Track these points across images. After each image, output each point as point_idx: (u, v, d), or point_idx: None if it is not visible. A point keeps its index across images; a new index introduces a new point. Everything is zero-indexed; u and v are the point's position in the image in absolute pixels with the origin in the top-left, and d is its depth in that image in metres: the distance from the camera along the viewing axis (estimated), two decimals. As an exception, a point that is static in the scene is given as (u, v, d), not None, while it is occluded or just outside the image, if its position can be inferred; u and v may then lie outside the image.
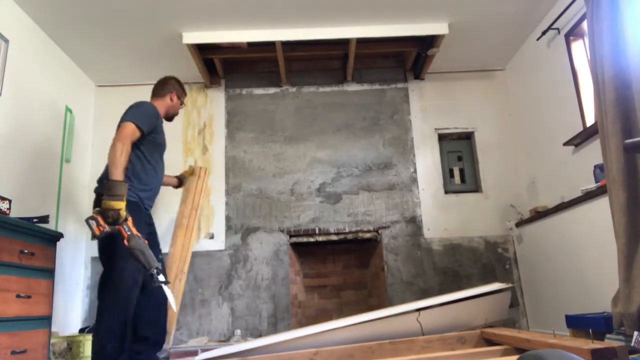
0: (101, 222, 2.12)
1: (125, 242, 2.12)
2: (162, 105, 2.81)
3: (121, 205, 2.15)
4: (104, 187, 2.22)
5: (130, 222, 2.16)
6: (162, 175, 2.77)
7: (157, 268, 2.11)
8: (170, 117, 2.92)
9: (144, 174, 2.54)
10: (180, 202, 3.62)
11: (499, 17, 3.56)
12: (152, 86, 4.29)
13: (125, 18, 3.36)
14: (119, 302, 2.29)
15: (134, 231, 2.14)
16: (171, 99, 2.86)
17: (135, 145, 2.50)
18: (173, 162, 4.11)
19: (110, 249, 2.32)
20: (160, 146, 2.71)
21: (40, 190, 3.32)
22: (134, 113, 2.51)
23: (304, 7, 3.38)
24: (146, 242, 2.18)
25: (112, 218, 2.12)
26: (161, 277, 2.12)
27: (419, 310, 2.39)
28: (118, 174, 2.24)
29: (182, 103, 2.95)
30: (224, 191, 4.06)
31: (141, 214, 2.47)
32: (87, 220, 2.13)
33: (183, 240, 3.44)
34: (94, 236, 2.12)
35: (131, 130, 2.44)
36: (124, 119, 2.49)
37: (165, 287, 2.15)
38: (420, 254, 3.95)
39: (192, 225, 3.49)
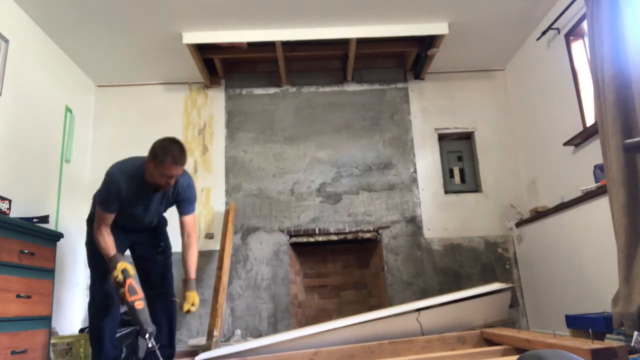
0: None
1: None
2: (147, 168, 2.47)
3: (116, 273, 2.27)
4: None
5: (128, 284, 2.25)
6: (146, 217, 2.65)
7: (150, 333, 2.20)
8: (154, 188, 2.48)
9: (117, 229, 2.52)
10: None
11: (499, 17, 3.56)
12: (152, 86, 4.36)
13: (125, 18, 3.36)
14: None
15: (127, 297, 2.23)
16: (147, 165, 2.42)
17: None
18: (173, 162, 4.11)
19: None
20: (130, 213, 2.55)
21: (40, 190, 3.32)
22: (98, 196, 2.54)
23: (304, 7, 3.38)
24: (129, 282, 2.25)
25: (116, 285, 2.29)
26: (150, 344, 2.21)
27: (419, 310, 2.39)
28: (109, 254, 2.36)
29: (162, 173, 2.37)
30: (224, 191, 4.06)
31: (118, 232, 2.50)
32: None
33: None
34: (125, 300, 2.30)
35: (101, 217, 2.43)
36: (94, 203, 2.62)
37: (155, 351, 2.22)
38: (420, 254, 3.95)
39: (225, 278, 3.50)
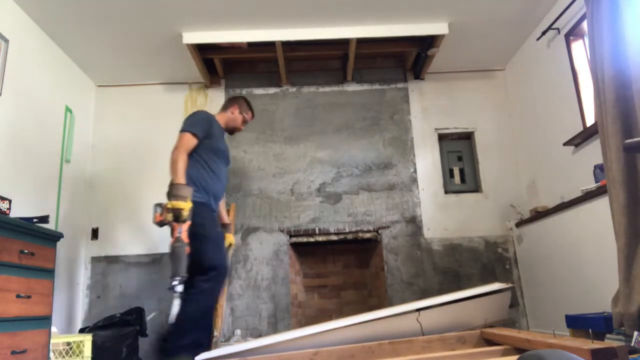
0: (165, 213, 2.35)
1: (172, 240, 2.34)
2: (222, 118, 3.02)
3: (184, 205, 2.36)
4: (169, 188, 2.48)
5: (186, 226, 2.36)
6: (225, 183, 2.94)
7: (182, 277, 2.28)
8: (230, 130, 3.07)
9: (208, 178, 2.72)
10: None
11: (499, 17, 3.56)
12: (152, 86, 4.36)
13: (125, 18, 3.36)
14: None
15: (184, 236, 2.34)
16: (232, 112, 3.03)
17: (195, 152, 2.72)
18: (173, 162, 4.11)
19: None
20: (219, 152, 2.84)
21: (40, 190, 3.32)
22: (187, 122, 2.77)
23: (304, 7, 3.38)
24: (187, 250, 2.35)
25: (173, 215, 2.35)
26: (179, 288, 2.29)
27: (418, 310, 2.39)
28: (178, 178, 2.49)
29: (244, 119, 3.07)
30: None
31: (211, 213, 2.72)
32: (154, 205, 2.40)
33: None
34: (154, 221, 2.38)
35: (185, 139, 2.68)
36: (180, 130, 2.74)
37: (175, 299, 2.28)
38: (420, 254, 3.95)
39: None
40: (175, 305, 2.31)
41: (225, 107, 3.09)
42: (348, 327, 2.32)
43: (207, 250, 2.52)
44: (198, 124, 2.75)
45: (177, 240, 2.32)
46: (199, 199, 2.60)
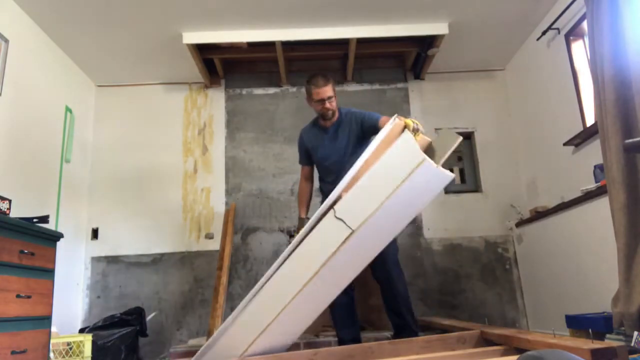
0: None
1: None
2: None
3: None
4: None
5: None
6: (338, 174, 2.52)
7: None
8: (323, 118, 2.76)
9: (322, 186, 2.87)
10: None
11: (499, 17, 3.56)
12: (152, 86, 4.35)
13: (125, 18, 3.35)
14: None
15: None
16: (309, 105, 2.79)
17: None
18: (172, 162, 4.12)
19: None
20: (318, 162, 2.83)
21: (40, 190, 3.32)
22: None
23: (304, 7, 3.38)
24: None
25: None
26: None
27: (331, 206, 2.07)
28: (299, 212, 2.92)
29: (316, 100, 2.66)
30: (224, 191, 4.06)
31: None
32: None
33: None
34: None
35: (301, 172, 2.96)
36: None
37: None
38: (420, 254, 3.95)
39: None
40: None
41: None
42: (285, 263, 2.09)
43: None
44: (298, 152, 2.92)
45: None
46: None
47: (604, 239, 2.74)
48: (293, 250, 2.10)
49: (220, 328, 2.23)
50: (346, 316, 2.67)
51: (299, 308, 2.12)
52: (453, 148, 2.13)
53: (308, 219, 2.56)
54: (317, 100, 2.66)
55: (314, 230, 2.07)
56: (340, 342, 2.62)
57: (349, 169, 2.15)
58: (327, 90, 2.65)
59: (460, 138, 2.16)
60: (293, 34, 3.64)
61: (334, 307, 2.57)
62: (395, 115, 2.19)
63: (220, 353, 2.19)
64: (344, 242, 1.99)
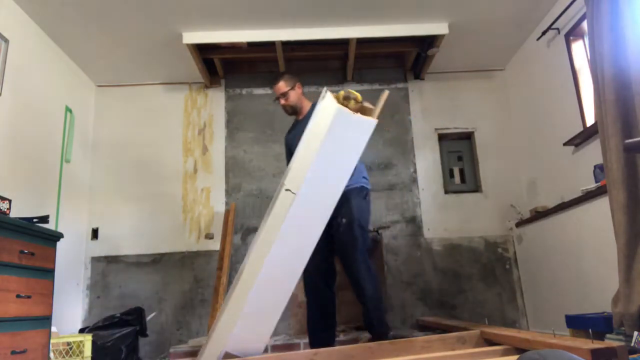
0: None
1: None
2: None
3: None
4: None
5: None
6: None
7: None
8: (284, 111, 2.84)
9: None
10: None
11: (499, 17, 3.56)
12: (152, 86, 4.36)
13: (125, 18, 3.35)
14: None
15: None
16: None
17: None
18: (172, 162, 4.12)
19: None
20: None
21: (40, 190, 3.32)
22: None
23: (304, 7, 3.38)
24: None
25: None
26: None
27: (282, 184, 2.20)
28: None
29: (276, 99, 2.81)
30: (224, 191, 4.06)
31: None
32: None
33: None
34: None
35: None
36: None
37: None
38: (420, 254, 3.95)
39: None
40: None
41: None
42: (252, 247, 2.21)
43: None
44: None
45: None
46: None
47: (604, 239, 2.74)
48: (258, 236, 2.23)
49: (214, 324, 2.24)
50: (320, 317, 2.58)
51: (267, 286, 2.16)
52: (382, 101, 2.27)
53: None
54: (275, 98, 2.80)
55: (271, 209, 2.21)
56: (312, 347, 2.52)
57: None
58: (280, 87, 2.73)
59: (387, 92, 2.31)
60: (293, 34, 3.64)
61: (310, 304, 2.56)
62: (325, 88, 2.27)
63: (212, 351, 2.19)
64: (290, 206, 2.12)
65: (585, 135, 3.07)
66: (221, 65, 4.11)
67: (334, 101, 2.15)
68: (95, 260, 3.90)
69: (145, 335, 3.38)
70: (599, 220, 2.81)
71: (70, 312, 3.65)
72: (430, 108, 4.27)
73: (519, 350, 1.92)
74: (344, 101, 2.25)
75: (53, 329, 2.67)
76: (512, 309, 3.87)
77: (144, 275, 3.87)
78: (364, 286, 2.48)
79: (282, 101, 2.75)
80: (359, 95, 2.30)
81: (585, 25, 3.10)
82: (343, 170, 2.30)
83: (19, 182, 3.06)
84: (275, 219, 2.16)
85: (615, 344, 1.57)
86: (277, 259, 2.14)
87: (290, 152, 2.79)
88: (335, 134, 2.13)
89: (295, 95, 2.75)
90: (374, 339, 2.47)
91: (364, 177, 2.69)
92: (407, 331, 3.51)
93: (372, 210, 4.00)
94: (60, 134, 3.63)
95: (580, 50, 3.30)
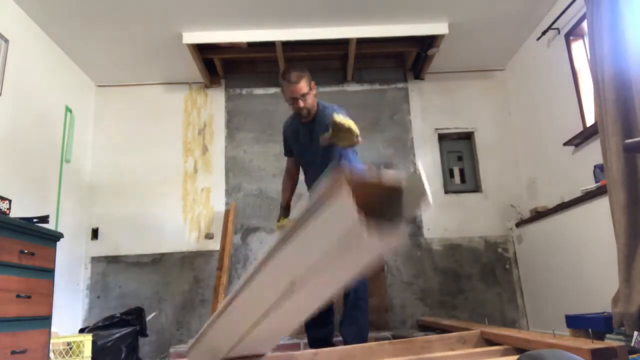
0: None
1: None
2: None
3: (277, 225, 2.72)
4: None
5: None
6: (320, 166, 2.31)
7: None
8: (298, 116, 2.52)
9: (305, 180, 2.75)
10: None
11: (499, 17, 3.56)
12: (152, 86, 4.36)
13: (125, 18, 3.35)
14: None
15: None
16: (284, 99, 2.51)
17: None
18: (172, 162, 4.12)
19: None
20: (297, 153, 2.67)
21: (40, 190, 3.32)
22: None
23: (304, 7, 3.38)
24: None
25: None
26: None
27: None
28: (281, 199, 2.83)
29: (288, 97, 2.43)
30: (224, 191, 4.06)
31: None
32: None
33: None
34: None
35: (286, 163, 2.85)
36: None
37: None
38: (420, 254, 3.95)
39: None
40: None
41: None
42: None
43: None
44: (283, 144, 2.78)
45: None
46: None
47: (604, 239, 2.73)
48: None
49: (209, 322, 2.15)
50: (318, 313, 2.53)
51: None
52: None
53: (288, 207, 2.76)
54: (290, 98, 2.39)
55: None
56: (310, 343, 2.46)
57: (320, 172, 1.88)
58: (301, 87, 2.34)
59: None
60: (293, 34, 3.64)
61: None
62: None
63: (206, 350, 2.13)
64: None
65: (585, 135, 3.07)
66: (221, 65, 4.11)
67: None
68: (95, 260, 3.90)
69: (145, 335, 3.38)
70: (599, 220, 2.81)
71: (70, 312, 3.65)
72: (430, 108, 4.27)
73: (519, 350, 1.92)
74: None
75: (53, 329, 2.67)
76: (512, 309, 3.87)
77: (144, 275, 3.87)
78: (353, 287, 2.37)
79: (301, 103, 2.37)
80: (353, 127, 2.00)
81: (585, 25, 3.10)
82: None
83: (19, 182, 3.06)
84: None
85: (615, 344, 1.57)
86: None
87: (289, 149, 2.75)
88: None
89: (313, 97, 2.42)
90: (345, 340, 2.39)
91: None
92: (407, 331, 3.51)
93: (372, 210, 4.01)
94: (60, 134, 3.63)
95: (580, 50, 3.30)
